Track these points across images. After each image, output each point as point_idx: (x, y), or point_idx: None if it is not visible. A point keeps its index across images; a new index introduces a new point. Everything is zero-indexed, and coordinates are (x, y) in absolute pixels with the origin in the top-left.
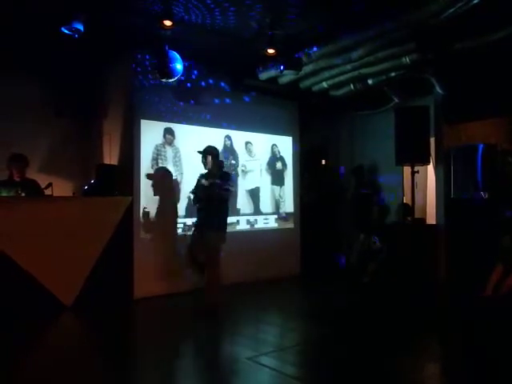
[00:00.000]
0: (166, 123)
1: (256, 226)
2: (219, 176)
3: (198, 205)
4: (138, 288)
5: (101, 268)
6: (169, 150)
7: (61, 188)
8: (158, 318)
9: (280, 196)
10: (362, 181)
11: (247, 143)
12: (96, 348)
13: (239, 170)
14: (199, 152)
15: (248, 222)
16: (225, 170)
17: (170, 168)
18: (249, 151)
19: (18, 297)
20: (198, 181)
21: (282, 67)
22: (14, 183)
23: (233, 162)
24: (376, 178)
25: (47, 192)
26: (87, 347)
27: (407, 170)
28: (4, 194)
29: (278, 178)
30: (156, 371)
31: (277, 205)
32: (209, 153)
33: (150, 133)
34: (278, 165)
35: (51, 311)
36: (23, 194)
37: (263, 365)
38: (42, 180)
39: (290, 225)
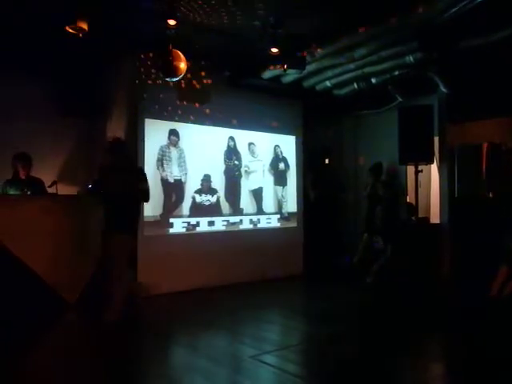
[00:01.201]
0: (170, 122)
1: (259, 226)
2: (129, 170)
3: (105, 205)
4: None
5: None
6: (173, 151)
7: (65, 186)
8: (160, 316)
9: (282, 196)
10: (379, 180)
11: (250, 144)
12: (98, 346)
13: (242, 170)
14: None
15: (251, 221)
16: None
17: (175, 169)
18: (252, 152)
19: (21, 294)
20: (104, 176)
21: (285, 66)
22: (20, 182)
23: (236, 162)
24: (394, 176)
25: (52, 190)
26: (89, 345)
27: (411, 169)
28: (12, 192)
29: (280, 179)
30: (159, 370)
31: (279, 205)
32: (112, 145)
33: (154, 132)
34: (281, 165)
35: (55, 309)
36: (29, 193)
37: (266, 363)
38: (47, 178)
39: (293, 224)
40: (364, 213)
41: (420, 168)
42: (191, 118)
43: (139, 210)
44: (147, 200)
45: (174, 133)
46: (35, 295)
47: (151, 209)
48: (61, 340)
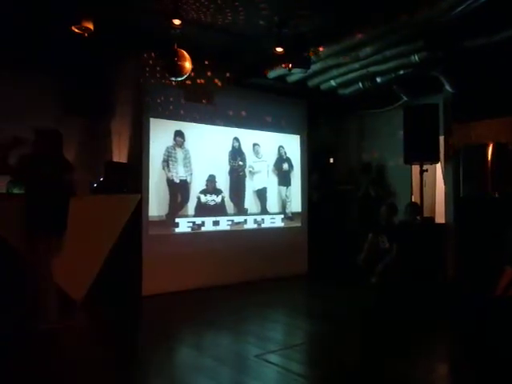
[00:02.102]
0: (175, 122)
1: (263, 226)
2: (56, 163)
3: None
4: (146, 285)
5: (110, 265)
6: (179, 152)
7: None
8: (164, 315)
9: (286, 196)
10: (371, 179)
11: (255, 145)
12: (101, 346)
13: (247, 170)
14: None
15: (255, 221)
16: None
17: (181, 169)
18: (256, 153)
19: (29, 293)
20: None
21: (290, 65)
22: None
23: (240, 163)
24: (386, 176)
25: None
26: (95, 343)
27: (416, 168)
28: (16, 192)
29: (284, 179)
30: (163, 369)
31: (283, 205)
32: (40, 136)
33: (159, 131)
34: (285, 166)
35: (61, 307)
36: None
37: (271, 362)
38: None
39: (297, 224)
40: (363, 212)
41: (425, 167)
42: (196, 117)
43: (67, 208)
44: (74, 194)
45: (179, 134)
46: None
47: (157, 209)
48: (64, 339)
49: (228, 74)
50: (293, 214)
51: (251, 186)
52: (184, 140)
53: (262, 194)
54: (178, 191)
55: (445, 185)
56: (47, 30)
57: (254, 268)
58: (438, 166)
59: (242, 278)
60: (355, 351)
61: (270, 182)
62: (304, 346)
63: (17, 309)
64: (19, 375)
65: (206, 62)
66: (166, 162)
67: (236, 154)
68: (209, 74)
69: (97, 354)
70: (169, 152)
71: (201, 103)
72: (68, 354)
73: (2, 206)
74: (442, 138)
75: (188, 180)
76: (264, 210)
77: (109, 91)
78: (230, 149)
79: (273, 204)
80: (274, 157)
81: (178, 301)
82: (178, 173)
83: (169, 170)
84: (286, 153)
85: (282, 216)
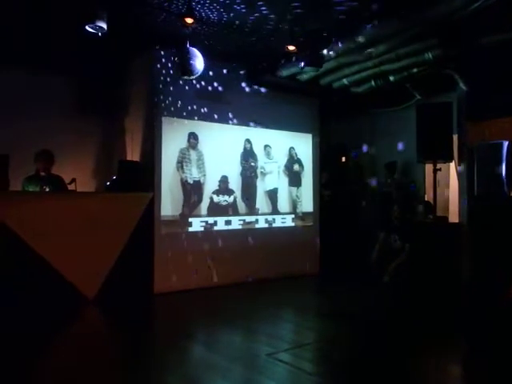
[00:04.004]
0: (188, 122)
1: (274, 225)
2: None
3: None
4: (158, 283)
5: (122, 263)
6: (193, 154)
7: (84, 184)
8: (176, 313)
9: (297, 197)
10: (393, 178)
11: (266, 146)
12: (113, 344)
13: (258, 171)
14: None
15: (266, 220)
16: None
17: (194, 170)
18: (267, 154)
19: (41, 290)
20: None
21: (302, 64)
22: (39, 179)
23: (252, 164)
24: (405, 174)
25: (71, 187)
26: (106, 342)
27: (429, 167)
28: (31, 189)
29: (295, 180)
30: (175, 368)
31: (294, 205)
32: None
33: (172, 130)
34: (296, 167)
35: (74, 304)
36: (47, 189)
37: (282, 361)
38: (66, 175)
39: (309, 223)
40: (379, 211)
41: (438, 166)
42: (208, 115)
43: None
44: None
45: (193, 135)
46: (54, 291)
47: (171, 208)
48: (76, 337)
49: (240, 73)
50: (304, 213)
51: (262, 186)
52: (197, 142)
53: (273, 195)
54: (192, 191)
55: (458, 184)
56: (62, 31)
57: (266, 267)
58: (452, 165)
59: (253, 277)
60: (366, 350)
61: (281, 182)
62: (315, 345)
63: None
64: (31, 373)
65: (219, 60)
66: (180, 164)
67: (248, 155)
68: (221, 72)
69: (109, 353)
70: (183, 154)
71: (213, 102)
72: (79, 352)
73: (17, 202)
74: (455, 137)
75: (201, 181)
76: (275, 210)
77: (122, 90)
78: (242, 150)
79: (283, 204)
80: (284, 158)
81: (189, 299)
82: (192, 174)
83: (183, 172)
84: (296, 154)
85: (293, 216)
